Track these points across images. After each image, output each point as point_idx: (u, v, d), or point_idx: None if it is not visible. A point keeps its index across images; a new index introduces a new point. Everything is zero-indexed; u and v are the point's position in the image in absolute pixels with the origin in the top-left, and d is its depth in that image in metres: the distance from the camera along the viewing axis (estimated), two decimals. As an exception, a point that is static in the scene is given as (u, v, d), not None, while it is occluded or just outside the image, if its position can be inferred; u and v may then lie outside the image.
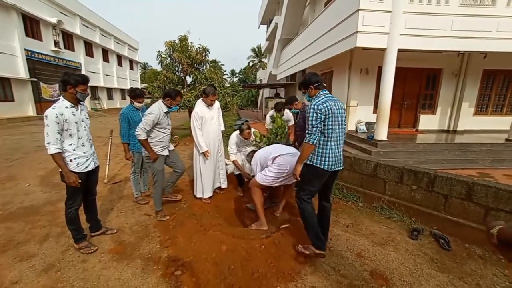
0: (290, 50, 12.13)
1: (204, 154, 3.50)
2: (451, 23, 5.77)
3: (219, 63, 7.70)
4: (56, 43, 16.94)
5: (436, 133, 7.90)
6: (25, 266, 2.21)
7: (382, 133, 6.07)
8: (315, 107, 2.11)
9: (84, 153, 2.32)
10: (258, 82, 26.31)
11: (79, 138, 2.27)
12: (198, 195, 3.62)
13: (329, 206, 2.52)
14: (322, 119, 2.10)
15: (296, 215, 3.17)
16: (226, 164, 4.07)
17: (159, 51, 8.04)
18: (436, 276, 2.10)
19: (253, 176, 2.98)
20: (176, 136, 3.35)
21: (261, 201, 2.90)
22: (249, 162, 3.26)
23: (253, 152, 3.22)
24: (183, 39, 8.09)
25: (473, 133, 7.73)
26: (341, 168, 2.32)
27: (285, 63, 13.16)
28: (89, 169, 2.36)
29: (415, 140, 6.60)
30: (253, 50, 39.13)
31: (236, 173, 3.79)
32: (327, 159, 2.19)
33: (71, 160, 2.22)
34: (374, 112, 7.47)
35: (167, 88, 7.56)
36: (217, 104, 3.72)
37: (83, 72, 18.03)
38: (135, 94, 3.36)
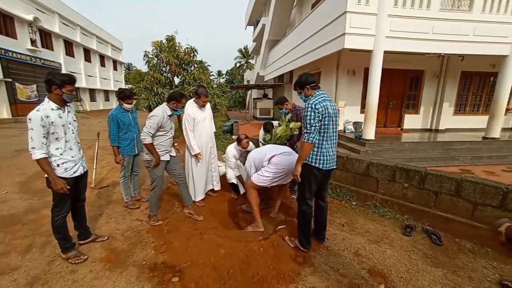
0: (277, 51, 12.21)
1: (196, 156, 3.43)
2: (432, 26, 6.03)
3: (205, 64, 7.57)
4: (33, 42, 16.07)
5: (420, 132, 8.22)
6: (6, 280, 2.05)
7: (370, 133, 6.23)
8: (313, 106, 2.12)
9: (72, 157, 2.19)
10: (245, 83, 26.31)
11: (66, 141, 2.15)
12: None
13: (325, 205, 2.56)
14: (320, 118, 2.13)
15: (292, 216, 3.18)
16: (219, 166, 4.02)
17: (146, 51, 7.81)
18: (431, 271, 2.16)
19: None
20: (176, 144, 3.24)
21: (257, 203, 2.87)
22: (244, 163, 3.23)
23: (247, 152, 3.19)
24: (171, 39, 7.91)
25: (454, 131, 8.11)
26: (335, 167, 2.37)
27: (273, 64, 13.24)
28: (77, 174, 2.23)
29: (401, 139, 6.84)
30: (240, 51, 39.11)
31: (230, 181, 3.74)
32: (322, 158, 2.23)
33: (58, 165, 2.09)
34: (362, 112, 7.66)
35: (155, 89, 7.37)
36: (208, 105, 3.66)
37: (63, 72, 17.22)
38: (124, 95, 3.23)
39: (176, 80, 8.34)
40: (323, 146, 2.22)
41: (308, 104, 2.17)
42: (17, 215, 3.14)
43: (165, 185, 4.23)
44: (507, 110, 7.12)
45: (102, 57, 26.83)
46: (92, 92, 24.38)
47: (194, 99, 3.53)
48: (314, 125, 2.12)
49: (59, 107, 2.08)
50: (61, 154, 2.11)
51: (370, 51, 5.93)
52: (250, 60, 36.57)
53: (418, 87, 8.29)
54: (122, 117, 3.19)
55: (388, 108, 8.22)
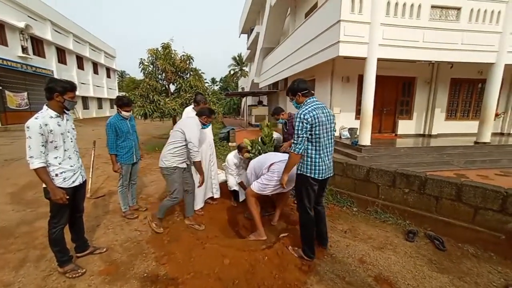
0: (272, 59, 12.37)
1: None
2: (423, 35, 6.24)
3: (199, 71, 7.62)
4: (24, 49, 15.84)
5: (413, 137, 8.38)
6: (-1, 297, 1.95)
7: (365, 139, 6.31)
8: (301, 116, 2.11)
9: (71, 166, 2.13)
10: (240, 90, 26.46)
11: (65, 150, 2.09)
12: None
13: (322, 209, 2.58)
14: (308, 129, 2.10)
15: (293, 223, 3.15)
16: (218, 174, 3.98)
17: (141, 58, 7.80)
18: (437, 277, 2.16)
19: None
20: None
21: (257, 211, 2.84)
22: (245, 169, 3.22)
23: (249, 159, 3.17)
24: (166, 47, 7.92)
25: (446, 136, 8.30)
26: (331, 175, 2.37)
27: (267, 71, 13.38)
28: (76, 183, 2.17)
29: (396, 145, 6.94)
30: (234, 58, 39.43)
31: (232, 188, 3.70)
32: (317, 168, 2.20)
33: (56, 175, 2.02)
34: (356, 118, 7.76)
35: (151, 96, 7.32)
36: None
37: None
38: (122, 102, 3.18)
39: (172, 88, 8.31)
40: (317, 155, 2.18)
41: (297, 114, 2.15)
42: (9, 228, 3.01)
43: (162, 194, 4.16)
44: (496, 115, 7.35)
45: (95, 65, 26.63)
46: (85, 99, 24.06)
47: (193, 106, 3.52)
48: (301, 135, 2.10)
49: (58, 114, 2.04)
50: (59, 164, 2.05)
51: (364, 59, 6.06)
52: (244, 68, 36.87)
53: (410, 94, 8.49)
54: (121, 125, 3.13)
55: (382, 114, 8.36)
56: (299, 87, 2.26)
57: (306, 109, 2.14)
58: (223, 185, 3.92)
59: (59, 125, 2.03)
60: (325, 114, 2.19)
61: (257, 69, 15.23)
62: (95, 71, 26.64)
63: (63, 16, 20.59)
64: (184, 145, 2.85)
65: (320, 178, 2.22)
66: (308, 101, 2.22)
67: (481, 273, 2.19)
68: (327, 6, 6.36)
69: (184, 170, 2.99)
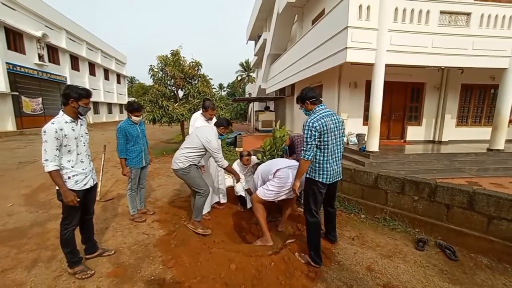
0: (279, 65, 12.46)
1: (200, 168, 3.43)
2: (432, 41, 6.18)
3: (207, 77, 7.80)
4: (41, 57, 16.52)
5: (423, 143, 8.23)
6: (12, 296, 2.00)
7: (373, 145, 6.24)
8: (310, 124, 2.20)
9: (83, 169, 2.19)
10: (247, 95, 26.65)
11: (78, 154, 2.16)
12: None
13: (334, 211, 2.76)
14: (317, 136, 2.19)
15: (300, 229, 3.12)
16: (225, 178, 4.00)
17: (151, 65, 7.99)
18: (448, 288, 2.10)
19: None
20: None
21: (264, 217, 2.84)
22: (253, 174, 3.23)
23: (258, 164, 3.19)
24: (176, 54, 8.11)
25: (457, 143, 8.11)
26: (340, 178, 2.49)
27: (274, 77, 13.47)
28: (87, 186, 2.23)
29: (405, 151, 6.82)
30: (242, 64, 39.92)
31: (238, 194, 3.72)
32: (325, 173, 2.30)
33: (69, 178, 2.09)
34: (364, 124, 7.70)
35: (159, 101, 7.47)
36: (214, 118, 3.71)
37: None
38: (132, 108, 3.27)
39: (180, 93, 8.46)
40: (325, 161, 2.28)
41: (306, 122, 2.24)
42: (23, 229, 3.10)
43: (170, 198, 4.21)
44: (511, 121, 7.15)
45: (106, 71, 27.44)
46: (95, 105, 24.74)
47: (201, 112, 3.58)
48: (310, 143, 2.19)
49: (72, 120, 2.11)
50: (72, 167, 2.11)
51: (372, 65, 6.04)
52: (251, 74, 37.22)
53: (419, 99, 8.38)
54: (131, 130, 3.21)
55: (391, 120, 8.27)
56: (307, 95, 2.35)
57: (315, 117, 2.23)
58: (230, 189, 3.94)
59: (73, 129, 2.11)
60: (334, 121, 2.28)
61: (264, 75, 15.35)
62: (106, 77, 27.43)
63: (77, 24, 21.41)
64: (199, 151, 2.93)
65: (328, 182, 2.31)
66: (317, 108, 2.31)
67: (495, 286, 2.11)
68: (335, 12, 6.40)
69: (197, 168, 3.07)
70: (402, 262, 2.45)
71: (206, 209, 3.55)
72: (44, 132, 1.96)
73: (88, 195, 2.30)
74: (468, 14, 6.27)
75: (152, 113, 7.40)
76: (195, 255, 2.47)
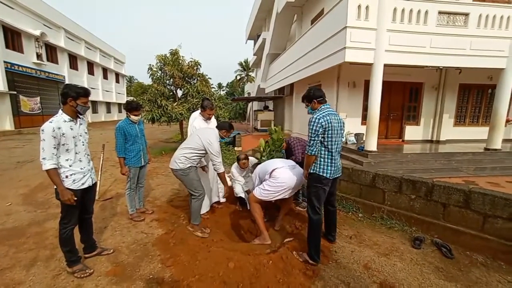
0: (278, 65, 12.47)
1: (202, 168, 3.45)
2: (430, 41, 6.20)
3: (206, 76, 7.77)
4: (39, 56, 16.44)
5: (421, 143, 8.26)
6: (11, 295, 2.01)
7: (372, 144, 6.26)
8: (316, 120, 2.30)
9: (81, 169, 2.20)
10: (246, 95, 26.65)
11: (76, 153, 2.16)
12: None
13: (334, 210, 2.80)
14: (321, 132, 2.30)
15: (297, 228, 3.14)
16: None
17: (150, 64, 7.98)
18: (444, 285, 2.12)
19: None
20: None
21: (261, 216, 2.86)
22: (252, 173, 3.25)
23: (257, 164, 3.20)
24: (175, 53, 8.10)
25: (455, 142, 8.15)
26: (340, 175, 2.55)
27: (274, 76, 13.47)
28: (85, 185, 2.23)
29: (403, 150, 6.85)
30: (241, 64, 39.87)
31: (238, 195, 3.74)
32: (328, 168, 2.39)
33: (67, 177, 2.10)
34: (362, 123, 7.73)
35: (158, 101, 7.46)
36: (213, 117, 3.72)
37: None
38: (131, 107, 3.27)
39: (179, 93, 8.46)
40: (328, 156, 2.38)
41: (312, 118, 2.34)
42: (21, 228, 3.11)
43: (169, 198, 4.22)
44: (507, 121, 7.19)
45: (105, 70, 27.34)
46: (94, 104, 24.64)
47: (200, 111, 3.58)
48: (314, 139, 2.31)
49: (71, 119, 2.12)
50: (70, 166, 2.12)
51: (370, 64, 6.06)
52: (250, 73, 37.20)
53: (417, 99, 8.41)
54: (129, 129, 3.21)
55: (389, 119, 8.30)
56: (315, 94, 2.46)
57: (321, 114, 2.33)
58: (229, 189, 3.94)
59: (71, 128, 2.11)
60: (337, 120, 2.40)
61: (263, 75, 15.36)
62: (105, 76, 27.33)
63: (76, 23, 21.32)
64: (199, 152, 2.93)
65: (331, 178, 2.41)
66: (323, 107, 2.42)
67: (490, 283, 2.14)
68: (334, 12, 6.42)
69: (196, 169, 3.07)
70: (399, 260, 2.48)
71: (206, 208, 3.57)
72: (42, 130, 1.97)
73: (86, 194, 2.30)
74: (466, 14, 6.30)
75: (151, 113, 7.40)
76: (194, 253, 2.48)
